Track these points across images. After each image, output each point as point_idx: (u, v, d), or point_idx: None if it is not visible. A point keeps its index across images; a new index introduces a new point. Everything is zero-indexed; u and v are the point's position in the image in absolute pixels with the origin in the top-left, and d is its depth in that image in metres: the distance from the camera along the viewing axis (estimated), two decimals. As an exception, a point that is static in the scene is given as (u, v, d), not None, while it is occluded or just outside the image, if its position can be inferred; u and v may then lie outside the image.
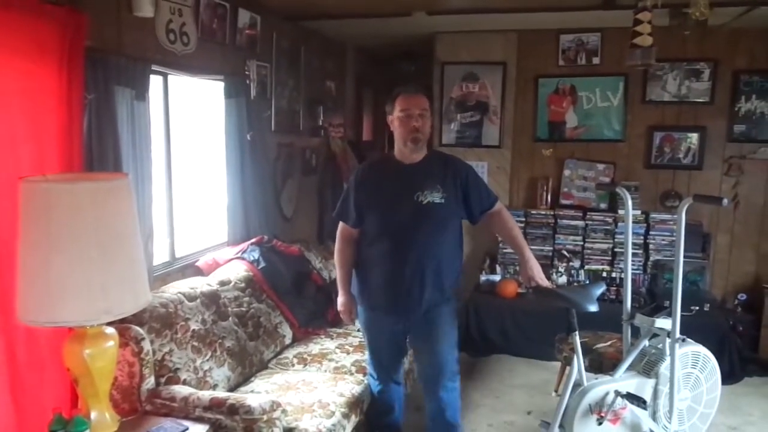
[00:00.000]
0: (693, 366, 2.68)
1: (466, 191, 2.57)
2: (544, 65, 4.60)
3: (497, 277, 4.53)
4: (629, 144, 4.54)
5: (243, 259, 3.30)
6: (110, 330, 1.98)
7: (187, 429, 2.02)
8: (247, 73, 3.57)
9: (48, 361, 2.11)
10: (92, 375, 1.90)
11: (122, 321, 2.09)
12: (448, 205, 2.51)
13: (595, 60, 4.48)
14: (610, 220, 4.43)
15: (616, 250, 4.41)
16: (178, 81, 3.14)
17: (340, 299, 2.76)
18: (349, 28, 4.65)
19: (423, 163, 2.56)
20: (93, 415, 1.94)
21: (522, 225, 4.56)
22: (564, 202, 4.63)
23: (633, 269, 4.02)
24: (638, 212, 4.31)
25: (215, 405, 2.20)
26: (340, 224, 2.70)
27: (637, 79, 4.41)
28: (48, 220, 1.74)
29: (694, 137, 4.40)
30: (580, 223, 4.48)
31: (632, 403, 2.51)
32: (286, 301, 3.32)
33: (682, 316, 2.51)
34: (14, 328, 1.96)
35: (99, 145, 2.35)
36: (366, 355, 2.91)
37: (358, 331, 3.08)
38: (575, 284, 4.43)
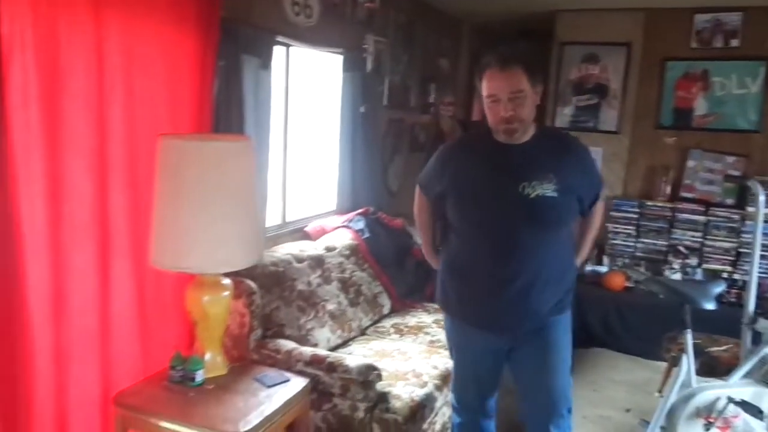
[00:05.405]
0: (821, 380, 2.45)
1: (581, 180, 2.02)
2: (674, 47, 4.29)
3: (604, 269, 4.35)
4: (766, 135, 4.15)
5: (349, 228, 3.41)
6: (226, 281, 2.13)
7: (289, 380, 2.13)
8: (364, 47, 3.64)
9: (171, 304, 2.31)
10: (209, 320, 2.07)
11: (236, 274, 2.23)
12: (562, 199, 1.93)
13: (734, 42, 4.12)
14: (736, 217, 4.10)
15: (740, 249, 4.08)
16: (299, 52, 3.27)
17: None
18: (466, 4, 4.58)
19: (530, 144, 1.98)
20: (207, 356, 2.12)
21: (636, 216, 4.34)
22: (685, 194, 4.33)
23: (759, 272, 3.69)
24: (771, 210, 3.94)
25: (315, 361, 2.31)
26: (418, 188, 2.29)
27: (782, 64, 4.01)
28: (180, 175, 1.90)
29: None
30: (702, 218, 4.19)
31: (747, 412, 2.33)
32: (387, 272, 3.39)
33: (813, 324, 2.30)
34: (145, 271, 2.17)
35: (226, 109, 2.51)
36: (452, 376, 2.37)
37: (446, 350, 2.49)
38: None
